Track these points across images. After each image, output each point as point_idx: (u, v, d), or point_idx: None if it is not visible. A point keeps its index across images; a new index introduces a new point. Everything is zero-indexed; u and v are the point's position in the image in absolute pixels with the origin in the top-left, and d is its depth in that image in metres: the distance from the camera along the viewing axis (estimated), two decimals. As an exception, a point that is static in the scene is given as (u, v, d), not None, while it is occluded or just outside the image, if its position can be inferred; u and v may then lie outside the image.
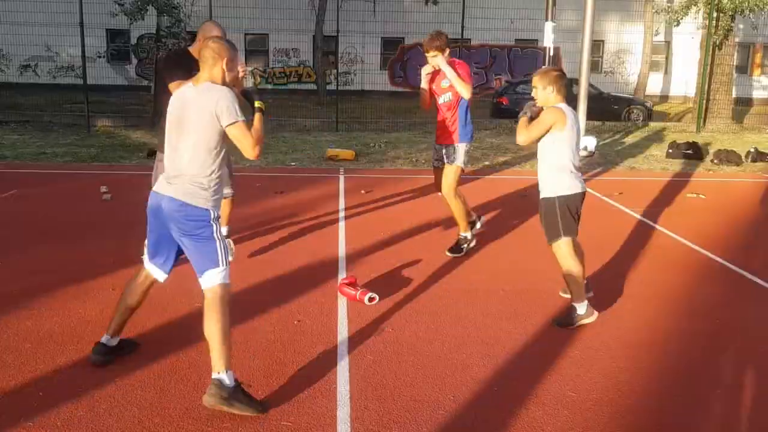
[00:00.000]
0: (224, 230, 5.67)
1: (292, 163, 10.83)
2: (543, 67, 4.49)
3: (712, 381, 3.71)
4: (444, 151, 5.83)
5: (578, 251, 4.45)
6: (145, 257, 3.71)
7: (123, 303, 3.68)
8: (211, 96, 3.34)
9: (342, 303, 4.69)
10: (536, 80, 4.33)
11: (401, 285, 5.11)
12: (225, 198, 5.32)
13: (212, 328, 3.27)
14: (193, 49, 4.94)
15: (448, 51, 5.61)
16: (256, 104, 3.68)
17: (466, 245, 5.96)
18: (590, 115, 18.64)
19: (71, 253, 5.73)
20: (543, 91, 4.31)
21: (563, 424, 3.22)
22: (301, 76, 28.90)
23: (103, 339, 3.69)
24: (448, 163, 5.80)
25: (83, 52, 14.80)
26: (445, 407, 3.35)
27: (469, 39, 26.38)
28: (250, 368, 3.68)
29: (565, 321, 4.37)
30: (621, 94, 21.75)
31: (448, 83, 5.68)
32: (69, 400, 3.29)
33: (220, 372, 3.20)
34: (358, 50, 28.04)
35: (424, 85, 5.76)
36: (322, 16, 23.38)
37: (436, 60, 5.57)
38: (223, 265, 3.38)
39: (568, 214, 4.33)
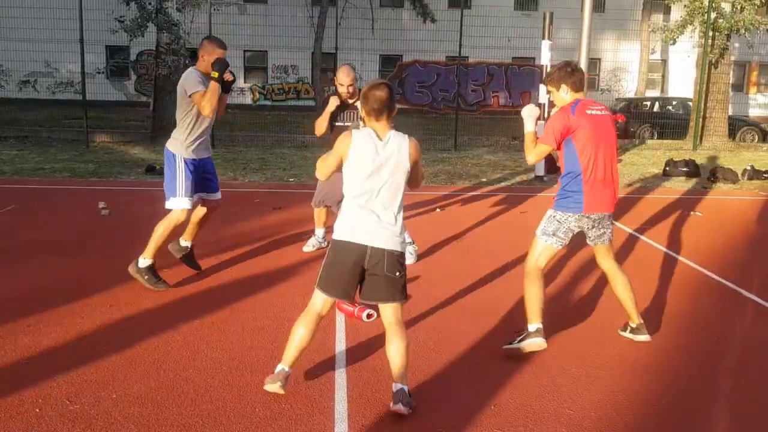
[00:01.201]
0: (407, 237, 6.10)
1: (291, 180, 10.85)
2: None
3: (711, 398, 3.71)
4: None
5: (392, 338, 3.43)
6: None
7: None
8: (183, 76, 5.01)
9: (340, 319, 4.68)
10: None
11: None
12: None
13: (156, 229, 5.06)
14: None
15: (563, 87, 4.24)
16: (211, 74, 4.93)
17: (519, 340, 4.17)
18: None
19: (69, 268, 5.73)
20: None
21: (561, 441, 3.21)
22: (299, 92, 29.00)
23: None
24: None
25: (83, 68, 14.86)
26: (443, 423, 3.34)
27: (467, 57, 26.55)
28: (248, 383, 3.67)
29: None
30: (736, 115, 21.82)
31: None
32: (66, 417, 3.28)
33: (143, 257, 5.06)
34: (356, 67, 28.17)
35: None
36: (321, 33, 23.53)
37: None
38: (176, 197, 5.02)
39: (334, 264, 3.43)
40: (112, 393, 3.53)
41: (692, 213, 8.82)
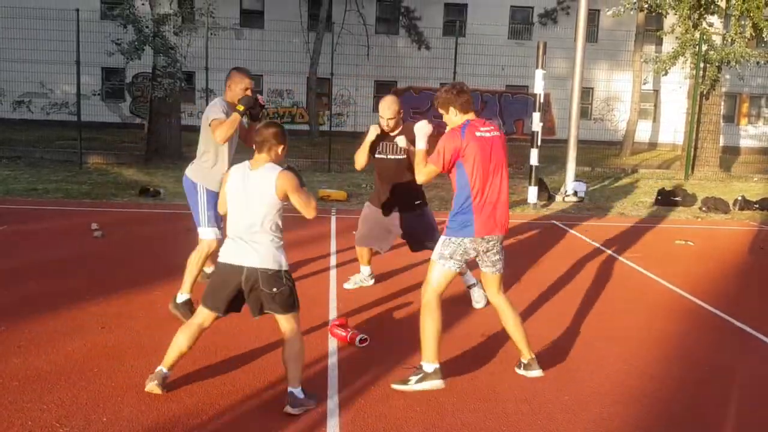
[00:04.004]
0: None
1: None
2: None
3: (702, 428, 3.71)
4: None
5: (293, 341, 3.76)
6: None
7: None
8: (209, 105, 4.98)
9: (333, 344, 4.67)
10: None
11: (392, 327, 5.10)
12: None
13: (189, 260, 4.99)
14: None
15: (452, 109, 4.24)
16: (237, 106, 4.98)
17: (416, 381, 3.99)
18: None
19: (60, 290, 5.70)
20: None
21: (553, 470, 3.20)
22: (294, 116, 29.12)
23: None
24: None
25: (78, 89, 14.90)
26: (435, 452, 3.32)
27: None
28: (240, 409, 3.66)
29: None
30: None
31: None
32: (55, 440, 3.25)
33: (180, 292, 4.94)
34: (351, 92, 28.37)
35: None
36: (317, 58, 23.69)
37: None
38: (202, 226, 5.01)
39: (216, 281, 3.86)
40: (102, 416, 3.50)
41: (683, 242, 8.87)
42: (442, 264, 4.11)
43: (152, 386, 3.72)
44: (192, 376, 4.06)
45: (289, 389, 3.65)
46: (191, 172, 5.11)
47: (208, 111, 4.98)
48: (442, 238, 4.18)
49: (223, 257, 3.79)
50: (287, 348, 3.73)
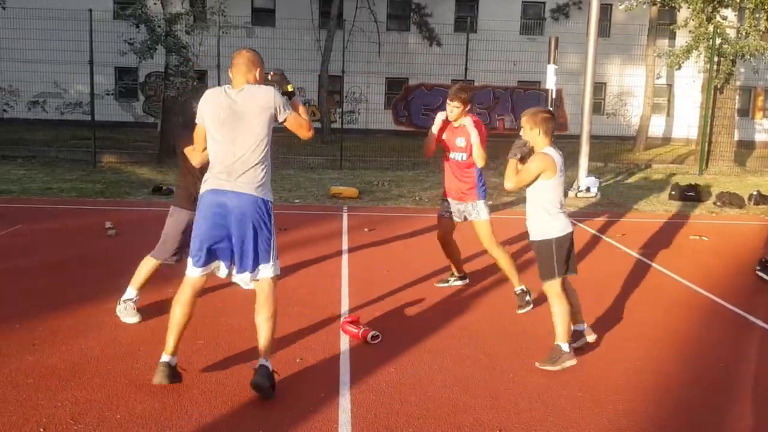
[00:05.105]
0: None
1: (296, 201, 10.87)
2: (532, 108, 4.42)
3: (718, 425, 3.68)
4: (462, 208, 5.71)
5: (569, 289, 4.52)
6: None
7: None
8: (270, 95, 3.83)
9: (344, 341, 4.68)
10: (524, 121, 4.34)
11: (403, 324, 5.10)
12: None
13: (270, 317, 3.91)
14: None
15: (469, 107, 5.49)
16: (287, 89, 4.10)
17: (528, 297, 5.57)
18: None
19: (75, 288, 5.74)
20: (530, 132, 4.30)
21: (567, 466, 3.19)
22: (306, 114, 29.19)
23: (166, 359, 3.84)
24: (475, 219, 5.67)
25: (92, 89, 15.00)
26: (448, 448, 3.32)
27: (473, 80, 26.69)
28: (251, 405, 3.67)
29: (548, 362, 4.30)
30: None
31: (465, 143, 5.51)
32: (69, 437, 3.27)
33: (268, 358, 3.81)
34: (362, 90, 28.37)
35: (434, 130, 5.56)
36: (328, 56, 23.69)
37: (456, 113, 5.43)
38: (277, 258, 3.94)
39: (561, 254, 4.34)
40: (116, 413, 3.52)
41: (698, 237, 8.80)
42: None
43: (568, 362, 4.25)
44: (205, 373, 4.08)
45: (557, 343, 4.31)
46: (264, 191, 3.77)
47: (278, 103, 3.80)
48: (483, 202, 5.64)
49: (566, 230, 4.36)
50: (571, 299, 4.48)
